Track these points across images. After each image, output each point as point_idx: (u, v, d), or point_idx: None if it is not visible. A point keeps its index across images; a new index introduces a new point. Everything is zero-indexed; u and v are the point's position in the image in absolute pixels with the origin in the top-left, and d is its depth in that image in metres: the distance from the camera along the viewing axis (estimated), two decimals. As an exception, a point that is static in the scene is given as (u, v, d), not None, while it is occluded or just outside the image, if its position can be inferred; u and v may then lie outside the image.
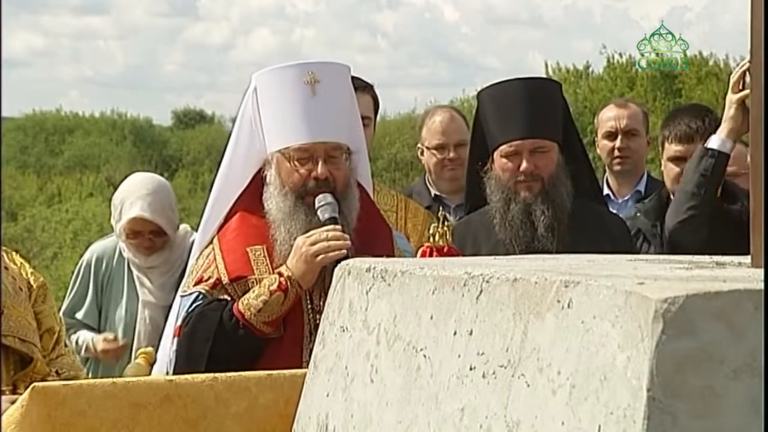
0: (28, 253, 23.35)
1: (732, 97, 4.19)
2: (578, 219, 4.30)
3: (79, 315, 5.42)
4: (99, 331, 5.40)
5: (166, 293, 5.39)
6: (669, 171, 4.91)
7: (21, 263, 3.79)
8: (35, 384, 2.92)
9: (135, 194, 5.38)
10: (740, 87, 4.16)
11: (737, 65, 4.29)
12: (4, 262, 3.65)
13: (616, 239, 4.31)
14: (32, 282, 3.74)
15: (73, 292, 5.46)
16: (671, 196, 4.86)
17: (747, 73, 4.06)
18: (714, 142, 4.24)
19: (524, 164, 4.29)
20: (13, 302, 3.58)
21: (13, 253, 3.84)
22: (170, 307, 5.37)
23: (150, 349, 3.87)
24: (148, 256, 5.40)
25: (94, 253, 5.52)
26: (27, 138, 40.77)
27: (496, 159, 4.35)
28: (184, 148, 41.04)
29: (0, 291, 3.50)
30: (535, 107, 4.32)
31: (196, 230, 4.16)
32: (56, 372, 3.67)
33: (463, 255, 4.06)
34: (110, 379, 3.93)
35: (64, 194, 32.86)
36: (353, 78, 4.62)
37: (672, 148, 4.88)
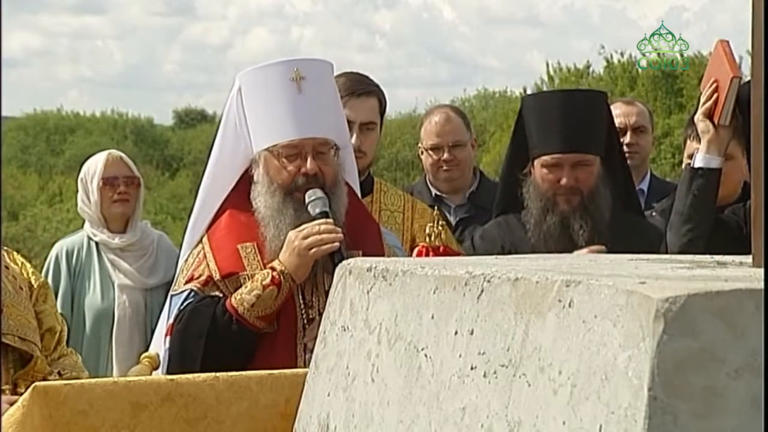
0: (30, 252, 23.34)
1: (697, 115, 4.19)
2: (618, 230, 4.27)
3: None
4: (68, 322, 5.38)
5: (143, 276, 5.47)
6: None
7: (22, 263, 3.79)
8: (36, 383, 2.92)
9: (102, 156, 5.60)
10: (703, 104, 4.16)
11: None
12: (4, 261, 3.65)
13: (654, 248, 4.27)
14: (33, 282, 3.74)
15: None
16: None
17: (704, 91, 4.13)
18: (699, 160, 4.17)
19: (564, 179, 4.26)
20: (13, 301, 3.58)
21: (14, 252, 3.84)
22: (148, 290, 5.47)
23: (154, 353, 3.87)
24: (122, 229, 5.54)
25: (63, 246, 5.59)
26: (28, 137, 40.84)
27: (537, 167, 4.32)
28: (185, 147, 41.08)
29: (0, 290, 3.50)
30: (578, 121, 4.29)
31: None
32: (58, 373, 3.67)
33: (490, 253, 4.06)
34: (111, 379, 3.94)
35: (65, 194, 32.86)
36: (359, 81, 4.63)
37: (692, 146, 4.87)
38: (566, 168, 4.26)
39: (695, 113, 5.12)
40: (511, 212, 4.45)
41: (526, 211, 4.35)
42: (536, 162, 4.32)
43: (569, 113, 4.30)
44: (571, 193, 4.28)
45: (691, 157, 4.85)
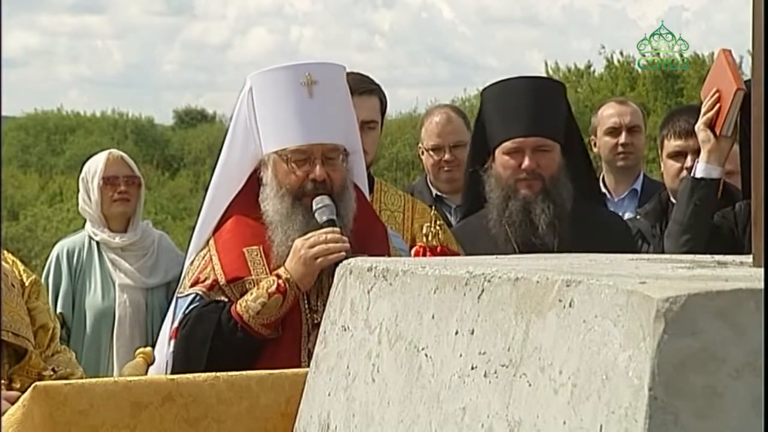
0: (30, 252, 23.35)
1: (698, 125, 4.20)
2: (578, 220, 4.29)
3: (58, 307, 5.41)
4: (65, 323, 5.37)
5: (144, 276, 5.48)
6: (669, 168, 4.92)
7: (13, 261, 3.82)
8: (37, 383, 2.93)
9: (102, 156, 5.61)
10: (704, 114, 4.17)
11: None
12: None
13: (616, 238, 4.29)
14: (24, 279, 3.76)
15: (49, 289, 5.43)
16: (671, 198, 4.87)
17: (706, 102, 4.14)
18: (700, 171, 4.19)
19: (526, 162, 4.27)
20: (5, 298, 3.59)
21: (5, 251, 3.85)
22: (148, 290, 5.48)
23: (149, 349, 3.87)
24: (123, 228, 5.54)
25: (64, 246, 5.60)
26: (29, 137, 40.77)
27: (498, 156, 4.33)
28: (186, 147, 41.01)
29: (0, 289, 3.51)
30: (539, 106, 4.31)
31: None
32: (53, 369, 3.68)
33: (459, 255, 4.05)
34: (112, 379, 3.94)
35: (65, 194, 32.81)
36: (361, 80, 4.63)
37: (671, 144, 4.89)
38: (527, 152, 4.28)
39: (669, 115, 5.16)
40: (473, 212, 4.46)
41: (488, 204, 4.35)
42: (497, 151, 4.32)
43: (529, 98, 4.32)
44: (532, 178, 4.28)
45: (670, 155, 4.89)
